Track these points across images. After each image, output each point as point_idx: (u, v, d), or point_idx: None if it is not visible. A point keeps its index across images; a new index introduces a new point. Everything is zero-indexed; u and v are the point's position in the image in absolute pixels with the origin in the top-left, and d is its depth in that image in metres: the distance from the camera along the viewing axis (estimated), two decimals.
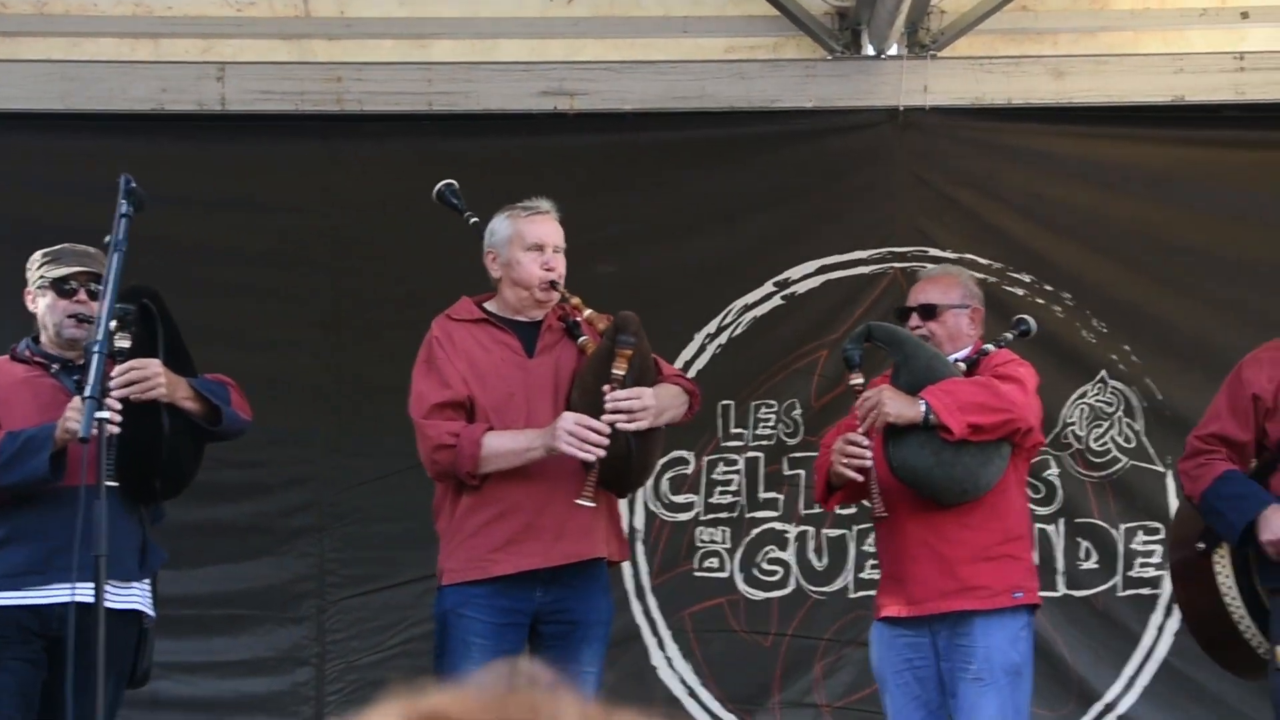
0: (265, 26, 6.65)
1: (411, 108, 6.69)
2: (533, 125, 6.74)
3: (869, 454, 4.99)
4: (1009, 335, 5.35)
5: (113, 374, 4.63)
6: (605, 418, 4.79)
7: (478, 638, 4.90)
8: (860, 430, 5.00)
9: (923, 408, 4.92)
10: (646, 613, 6.63)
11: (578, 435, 4.77)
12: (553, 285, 4.98)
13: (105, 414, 4.43)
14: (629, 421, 4.82)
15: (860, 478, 5.02)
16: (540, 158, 6.67)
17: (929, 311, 5.28)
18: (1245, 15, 6.79)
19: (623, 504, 5.52)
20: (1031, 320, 5.46)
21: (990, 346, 5.27)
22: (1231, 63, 6.75)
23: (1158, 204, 6.86)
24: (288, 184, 6.84)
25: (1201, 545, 5.23)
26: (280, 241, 6.78)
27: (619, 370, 4.82)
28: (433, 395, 4.97)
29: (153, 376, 4.73)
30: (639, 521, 6.61)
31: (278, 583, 6.58)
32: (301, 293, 6.74)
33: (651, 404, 4.87)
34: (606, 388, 4.81)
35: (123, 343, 4.63)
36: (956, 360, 5.21)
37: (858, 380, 5.07)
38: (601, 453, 4.76)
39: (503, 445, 4.88)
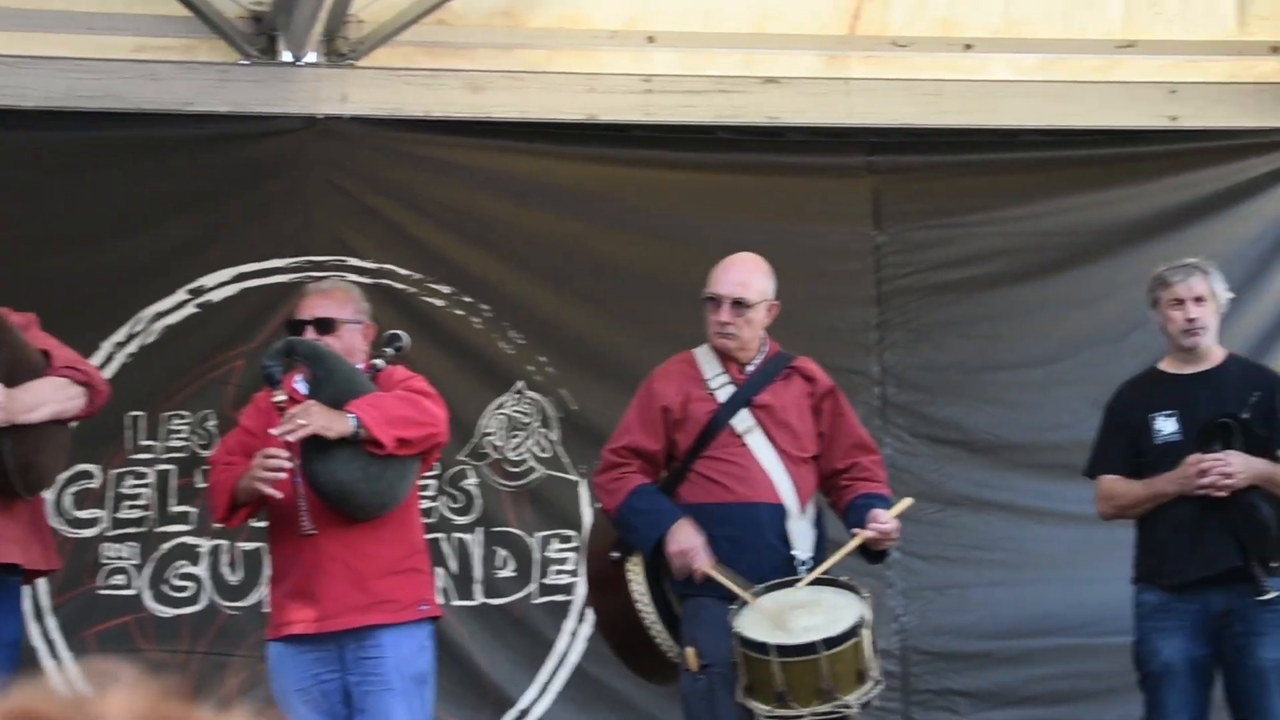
0: None
1: None
2: None
3: (291, 466, 4.88)
4: (389, 351, 5.27)
5: None
6: None
7: None
8: (284, 440, 4.86)
9: (352, 422, 4.86)
10: (45, 634, 6.29)
11: None
12: None
13: None
14: None
15: (279, 494, 4.90)
16: None
17: (327, 325, 5.16)
18: (651, 39, 7.05)
19: None
20: (406, 336, 5.40)
21: (379, 363, 5.20)
22: (640, 84, 6.99)
23: (573, 219, 7.01)
24: None
25: (616, 555, 5.37)
26: None
27: None
28: None
29: None
30: None
31: None
32: None
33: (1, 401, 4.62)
34: None
35: None
36: None
37: (280, 397, 4.93)
38: None
39: None
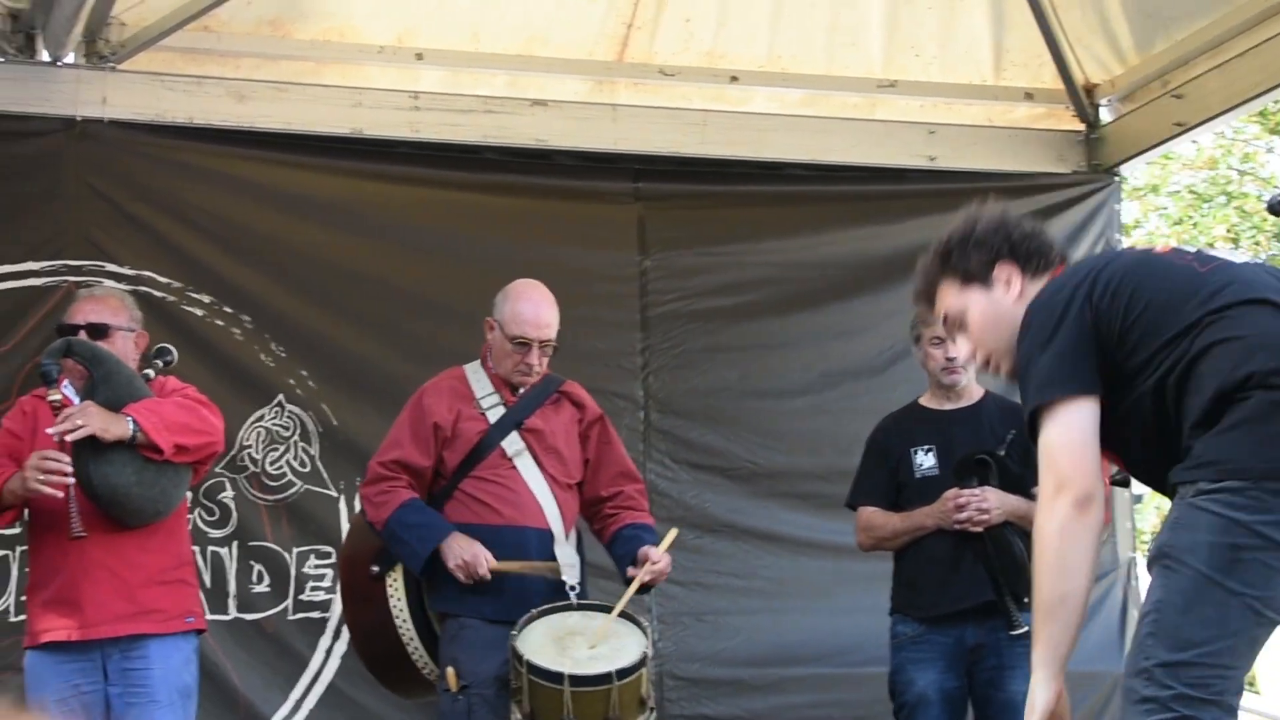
0: None
1: None
2: None
3: (70, 469, 4.75)
4: (159, 363, 5.21)
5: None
6: None
7: None
8: (52, 432, 4.75)
9: (130, 424, 4.77)
10: None
11: None
12: None
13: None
14: None
15: (60, 494, 4.77)
16: None
17: (99, 331, 5.08)
18: (420, 56, 7.03)
19: None
20: (174, 350, 5.32)
21: (149, 373, 5.13)
22: (407, 100, 6.96)
23: (338, 232, 6.92)
24: None
25: (376, 569, 5.29)
26: None
27: None
28: None
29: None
30: None
31: None
32: None
33: None
34: None
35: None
36: None
37: (55, 395, 4.82)
38: None
39: None
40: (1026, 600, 5.57)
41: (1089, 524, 3.28)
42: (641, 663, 4.94)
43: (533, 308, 5.34)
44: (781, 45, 7.30)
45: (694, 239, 7.31)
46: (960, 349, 3.69)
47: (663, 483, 7.03)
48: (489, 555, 5.09)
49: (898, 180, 7.48)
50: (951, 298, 3.63)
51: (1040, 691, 3.32)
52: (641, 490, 5.54)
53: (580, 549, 5.37)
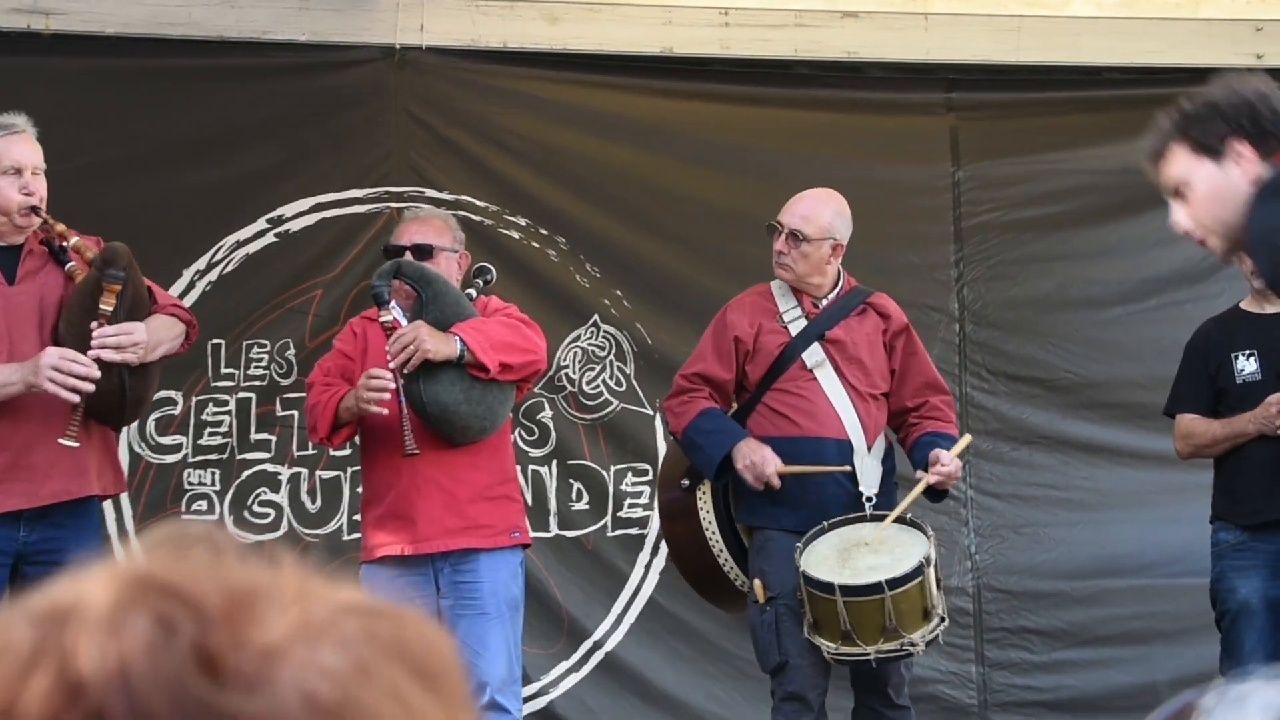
0: None
1: None
2: (9, 44, 6.32)
3: (393, 387, 4.91)
4: (479, 282, 5.34)
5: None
6: (92, 354, 4.52)
7: None
8: (392, 365, 4.90)
9: (458, 344, 4.89)
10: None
11: (62, 371, 4.48)
12: (34, 210, 4.66)
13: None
14: (119, 357, 4.56)
15: (386, 412, 4.93)
16: (17, 77, 6.21)
17: (425, 252, 5.21)
18: None
19: None
20: (493, 269, 5.45)
21: (471, 293, 5.25)
22: (718, 17, 6.93)
23: (649, 153, 6.98)
24: None
25: (686, 482, 5.39)
26: None
27: (107, 305, 4.55)
28: None
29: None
30: (123, 464, 6.23)
31: None
32: None
33: (143, 339, 4.62)
34: (94, 324, 4.54)
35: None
36: None
37: (387, 317, 4.98)
38: (89, 388, 4.49)
39: None
40: None
41: None
42: (916, 572, 4.93)
43: (795, 199, 5.39)
44: None
45: (1008, 148, 7.17)
46: (1177, 217, 3.53)
47: (979, 395, 6.95)
48: (778, 459, 5.12)
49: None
50: (1180, 164, 3.49)
51: None
52: (948, 401, 5.50)
53: (889, 460, 5.36)
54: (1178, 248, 7.06)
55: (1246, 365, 5.61)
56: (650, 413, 6.83)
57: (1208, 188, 3.45)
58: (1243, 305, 5.75)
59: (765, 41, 6.95)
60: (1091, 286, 7.14)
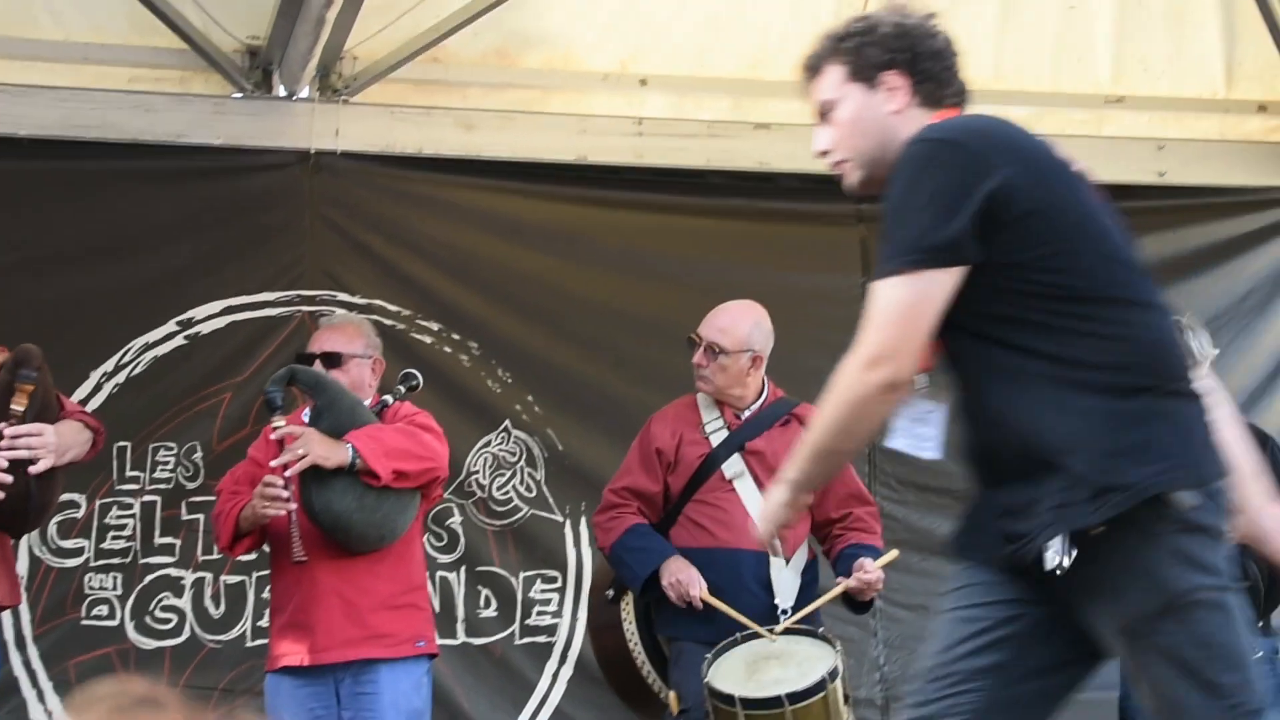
0: None
1: None
2: None
3: (288, 495, 4.88)
4: (400, 389, 5.35)
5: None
6: (2, 455, 4.49)
7: None
8: (283, 473, 4.88)
9: (349, 452, 4.87)
10: (27, 664, 6.24)
11: None
12: None
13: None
14: (30, 456, 4.52)
15: (281, 513, 4.90)
16: None
17: (334, 359, 5.21)
18: (644, 82, 7.07)
19: None
20: (419, 375, 5.46)
21: (388, 398, 5.26)
22: (632, 127, 7.01)
23: (563, 259, 7.00)
24: None
25: (610, 594, 5.41)
26: None
27: (19, 406, 4.55)
28: None
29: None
30: (22, 568, 6.17)
31: None
32: None
33: (53, 441, 4.59)
34: (4, 425, 4.51)
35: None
36: None
37: (278, 423, 4.96)
38: None
39: None
40: None
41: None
42: (818, 686, 4.93)
43: (715, 311, 5.44)
44: (1007, 62, 7.21)
45: None
46: (819, 139, 3.40)
47: (889, 505, 6.97)
48: (704, 584, 5.14)
49: (1126, 197, 7.25)
50: (830, 84, 3.34)
51: (777, 492, 3.37)
52: (873, 513, 5.52)
53: (811, 572, 5.36)
54: None
55: None
56: (560, 519, 6.82)
57: (853, 114, 3.31)
58: None
59: (679, 150, 7.02)
60: None
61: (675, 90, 7.13)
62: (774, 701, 4.90)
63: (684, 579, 5.15)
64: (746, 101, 7.14)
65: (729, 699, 4.91)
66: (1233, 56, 7.31)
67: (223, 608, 6.47)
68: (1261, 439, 5.72)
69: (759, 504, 5.26)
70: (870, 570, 5.25)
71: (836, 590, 5.25)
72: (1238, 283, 7.32)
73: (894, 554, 5.45)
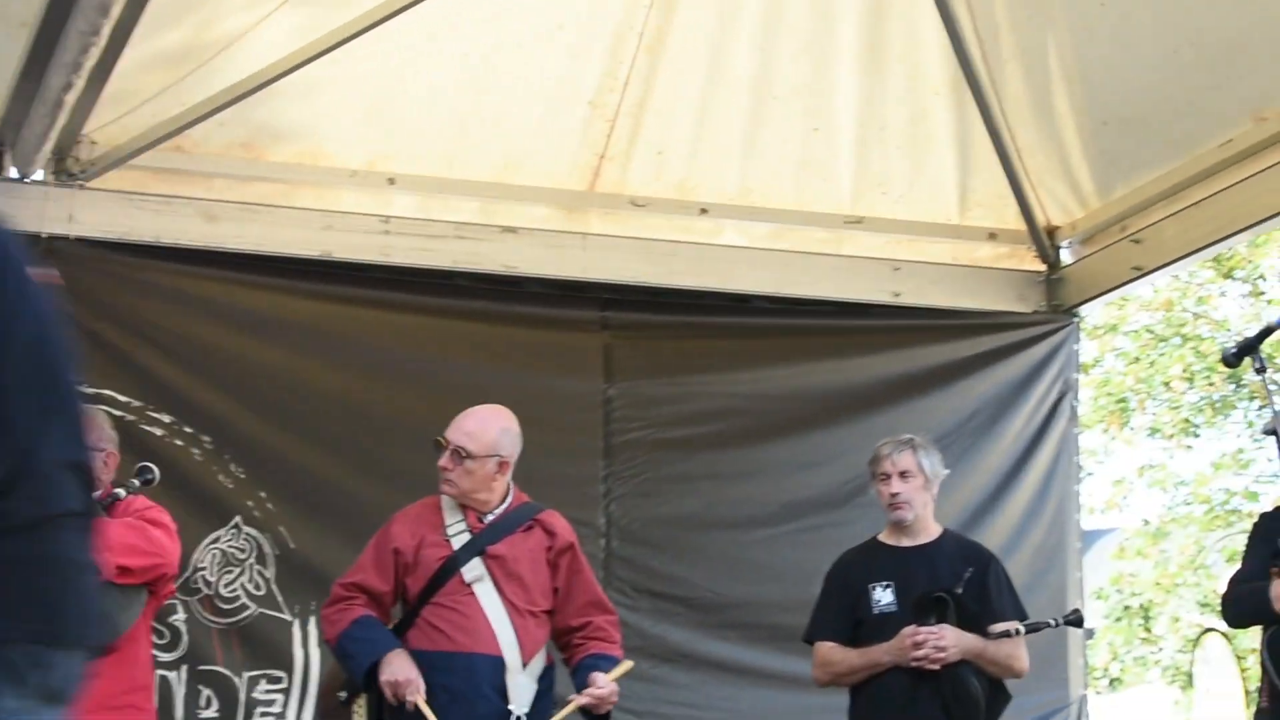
0: None
1: None
2: None
3: None
4: (135, 482, 5.21)
5: None
6: None
7: None
8: None
9: None
10: None
11: None
12: None
13: None
14: None
15: None
16: None
17: None
18: (392, 181, 7.05)
19: None
20: (156, 469, 5.33)
21: (120, 491, 5.11)
22: (378, 225, 6.97)
23: (304, 354, 6.90)
24: None
25: (344, 695, 5.31)
26: None
27: None
28: None
29: None
30: None
31: None
32: None
33: None
34: None
35: None
36: None
37: None
38: None
39: None
40: None
41: None
42: None
43: (462, 415, 5.39)
44: (752, 178, 7.36)
45: (660, 368, 7.32)
46: None
47: (622, 611, 6.89)
48: (422, 687, 5.06)
49: (863, 315, 7.53)
50: None
51: None
52: (614, 621, 5.51)
53: (547, 679, 5.33)
54: (819, 472, 7.31)
55: (883, 596, 5.75)
56: (289, 618, 6.67)
57: None
58: (881, 537, 5.91)
59: (426, 251, 6.99)
60: (736, 507, 7.28)
61: (424, 190, 7.12)
62: None
63: (402, 679, 5.06)
64: (494, 205, 7.16)
65: None
66: (967, 185, 7.57)
67: None
68: (985, 558, 5.89)
69: (498, 609, 5.24)
70: (602, 685, 5.23)
71: (569, 707, 5.22)
72: (966, 403, 7.53)
73: (628, 665, 5.44)
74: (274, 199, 6.92)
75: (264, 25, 6.36)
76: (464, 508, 5.37)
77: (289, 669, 6.60)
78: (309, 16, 6.36)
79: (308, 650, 6.67)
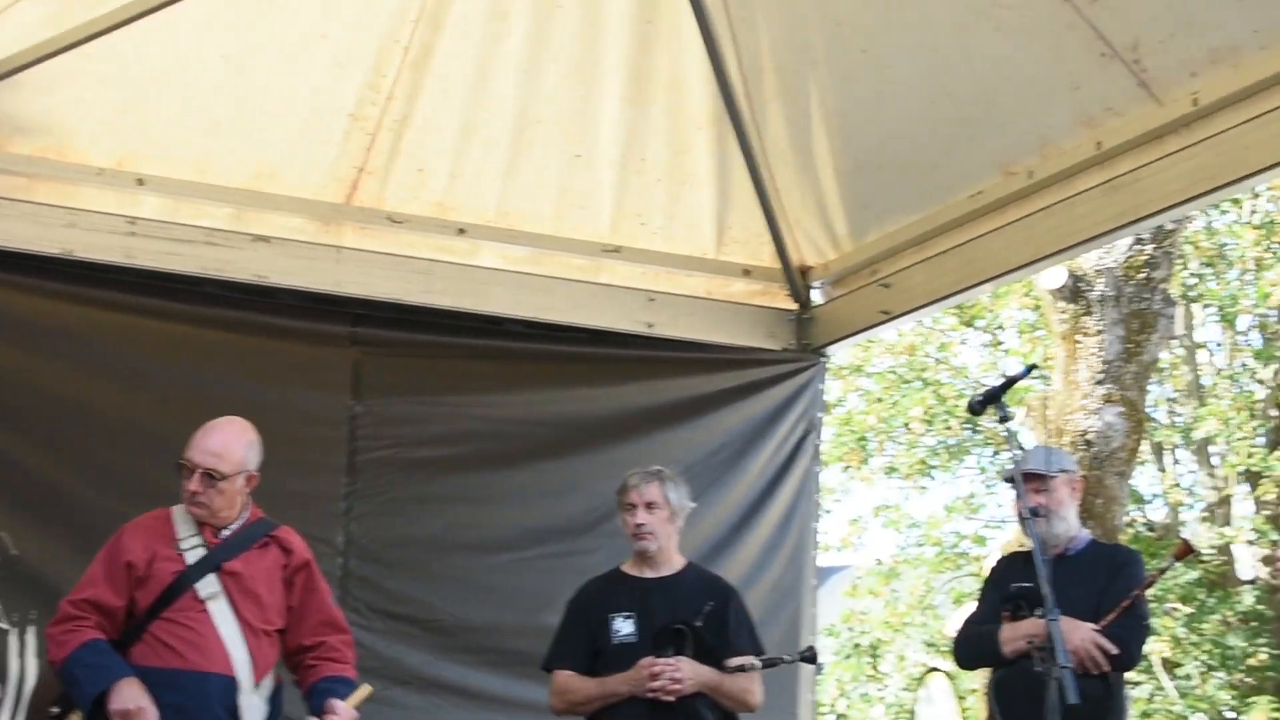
0: None
1: None
2: None
3: None
4: None
5: None
6: None
7: None
8: None
9: None
10: None
11: None
12: None
13: None
14: None
15: None
16: None
17: None
18: (141, 182, 6.86)
19: None
20: None
21: None
22: (123, 225, 6.77)
23: (40, 356, 6.66)
24: None
25: (55, 710, 5.13)
26: None
27: None
28: None
29: None
30: None
31: None
32: None
33: None
34: None
35: None
36: None
37: None
38: None
39: None
40: None
41: None
42: None
43: (204, 432, 5.28)
44: (512, 202, 7.34)
45: (410, 387, 7.24)
46: None
47: (358, 631, 6.78)
48: (155, 716, 4.94)
49: (617, 344, 7.55)
50: None
51: None
52: (348, 642, 5.44)
53: (276, 699, 5.23)
54: (565, 499, 7.31)
55: (624, 627, 5.79)
56: (6, 627, 6.43)
57: None
58: (624, 568, 5.95)
59: (173, 255, 6.82)
60: (480, 531, 7.24)
61: (174, 193, 6.92)
62: None
63: (134, 709, 4.92)
64: (247, 213, 7.01)
65: None
66: (724, 220, 7.64)
67: None
68: (726, 592, 5.95)
69: (232, 627, 5.12)
70: (341, 712, 5.16)
71: None
72: (713, 436, 7.58)
73: (367, 690, 5.38)
74: (14, 192, 6.67)
75: (9, 12, 6.15)
76: (199, 522, 5.24)
77: (3, 680, 6.36)
78: (60, 6, 6.17)
79: (24, 661, 6.43)
